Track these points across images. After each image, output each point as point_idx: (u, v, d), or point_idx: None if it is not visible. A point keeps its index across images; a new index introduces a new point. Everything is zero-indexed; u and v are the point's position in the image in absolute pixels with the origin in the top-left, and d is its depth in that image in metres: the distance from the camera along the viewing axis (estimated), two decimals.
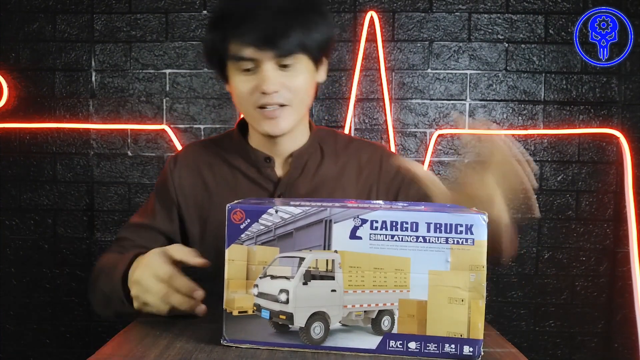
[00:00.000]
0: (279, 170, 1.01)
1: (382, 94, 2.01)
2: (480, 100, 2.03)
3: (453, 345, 0.61)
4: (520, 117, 2.03)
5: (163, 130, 2.04)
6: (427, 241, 0.60)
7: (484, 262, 0.60)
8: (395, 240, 0.60)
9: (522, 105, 2.03)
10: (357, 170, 1.02)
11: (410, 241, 0.60)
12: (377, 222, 0.60)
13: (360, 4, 2.01)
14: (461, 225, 0.60)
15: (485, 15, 2.01)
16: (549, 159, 2.03)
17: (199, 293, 0.74)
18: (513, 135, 2.02)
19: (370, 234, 0.60)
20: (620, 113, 2.01)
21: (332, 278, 0.61)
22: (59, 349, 2.08)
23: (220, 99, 2.03)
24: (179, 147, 2.02)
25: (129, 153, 2.06)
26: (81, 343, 2.06)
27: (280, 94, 0.89)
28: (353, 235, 0.60)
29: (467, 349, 0.61)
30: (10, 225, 2.08)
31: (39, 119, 2.04)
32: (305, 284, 0.61)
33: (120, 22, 2.03)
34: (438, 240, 0.60)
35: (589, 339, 2.04)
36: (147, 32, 2.03)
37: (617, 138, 1.99)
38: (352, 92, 2.00)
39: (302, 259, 0.61)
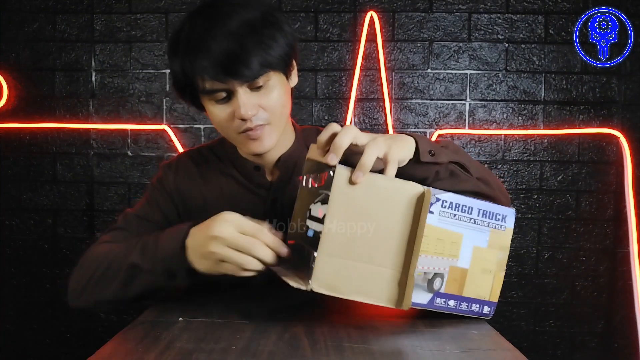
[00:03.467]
0: (269, 176, 1.02)
1: (382, 94, 2.01)
2: (480, 100, 2.02)
3: (478, 305, 0.78)
4: (520, 117, 2.03)
5: (163, 130, 2.04)
6: (476, 223, 0.75)
7: (509, 244, 0.77)
8: (455, 219, 0.73)
9: (522, 105, 2.02)
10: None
11: (465, 221, 0.74)
12: (446, 202, 0.72)
13: (360, 4, 2.01)
14: (499, 214, 0.76)
15: (485, 15, 2.01)
16: (549, 159, 2.03)
17: (285, 250, 0.73)
18: (513, 135, 2.02)
19: (440, 211, 0.72)
20: (620, 113, 2.01)
21: None
22: (59, 349, 2.08)
23: None
24: (179, 147, 2.02)
25: (129, 153, 2.06)
26: (81, 343, 2.06)
27: (259, 116, 0.88)
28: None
29: (486, 309, 0.79)
30: (10, 225, 2.08)
31: (39, 119, 2.04)
32: None
33: (120, 22, 2.03)
34: (483, 224, 0.75)
35: (589, 339, 2.04)
36: (147, 32, 2.03)
37: (617, 138, 1.99)
38: (352, 92, 2.00)
39: None
